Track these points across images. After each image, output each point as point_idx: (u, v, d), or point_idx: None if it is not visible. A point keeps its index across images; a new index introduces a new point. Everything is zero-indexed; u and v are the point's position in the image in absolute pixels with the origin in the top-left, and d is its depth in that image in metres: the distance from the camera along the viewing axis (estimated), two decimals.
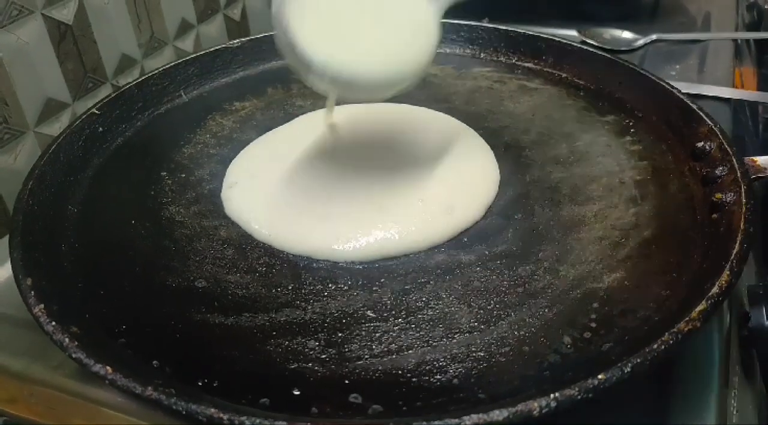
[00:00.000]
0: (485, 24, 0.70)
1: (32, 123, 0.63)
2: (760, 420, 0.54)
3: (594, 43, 0.83)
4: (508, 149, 0.57)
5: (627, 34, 0.84)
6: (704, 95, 0.72)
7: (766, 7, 1.02)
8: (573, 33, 0.85)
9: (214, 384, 0.37)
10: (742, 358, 0.52)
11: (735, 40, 0.86)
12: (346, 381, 0.38)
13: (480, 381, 0.38)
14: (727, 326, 0.50)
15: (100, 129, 0.57)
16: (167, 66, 0.64)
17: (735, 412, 0.47)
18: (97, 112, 0.57)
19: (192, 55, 0.66)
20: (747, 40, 0.94)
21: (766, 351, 0.50)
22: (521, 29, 0.70)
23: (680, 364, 0.45)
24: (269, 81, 0.67)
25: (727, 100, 0.72)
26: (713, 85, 0.74)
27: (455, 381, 0.38)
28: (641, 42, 0.83)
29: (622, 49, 0.82)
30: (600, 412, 0.38)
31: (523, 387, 0.37)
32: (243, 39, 0.69)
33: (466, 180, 0.52)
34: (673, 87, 0.57)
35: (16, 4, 0.59)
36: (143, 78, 0.62)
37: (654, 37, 0.84)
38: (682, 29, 0.88)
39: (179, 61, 0.65)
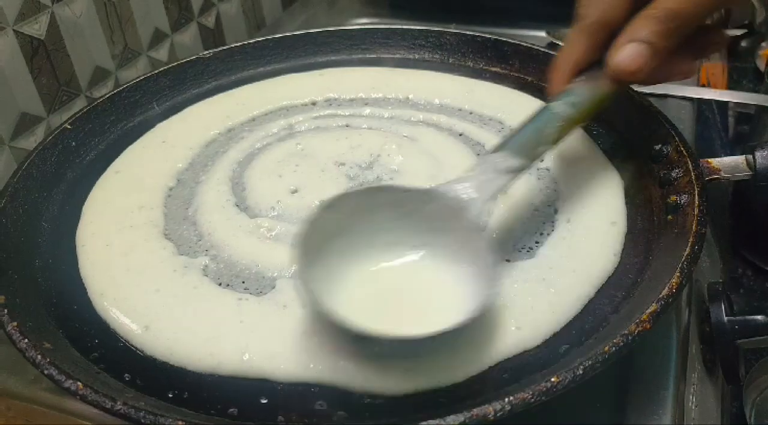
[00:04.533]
0: (452, 29, 0.71)
1: (7, 138, 0.64)
2: (723, 415, 0.56)
3: (562, 43, 0.84)
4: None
5: None
6: (670, 95, 0.74)
7: None
8: (542, 34, 0.86)
9: (184, 396, 0.38)
10: (704, 354, 0.54)
11: None
12: (312, 389, 0.39)
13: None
14: (685, 322, 0.51)
15: (73, 144, 0.57)
16: (139, 79, 0.65)
17: (694, 407, 0.48)
18: (69, 127, 0.57)
19: (164, 67, 0.67)
20: None
21: (724, 346, 0.51)
22: (489, 32, 0.71)
23: (638, 361, 0.47)
24: None
25: (693, 99, 0.74)
26: (679, 85, 0.75)
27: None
28: None
29: None
30: (558, 408, 0.40)
31: (482, 390, 0.39)
32: (215, 49, 0.70)
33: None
34: (633, 89, 0.59)
35: None
36: (115, 91, 0.63)
37: None
38: None
39: (151, 73, 0.66)
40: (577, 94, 0.46)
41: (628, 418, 0.44)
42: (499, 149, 0.44)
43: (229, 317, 0.43)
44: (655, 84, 0.50)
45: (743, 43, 1.21)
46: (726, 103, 0.88)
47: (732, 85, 1.14)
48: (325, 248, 0.40)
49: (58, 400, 0.45)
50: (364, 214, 0.41)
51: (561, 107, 0.46)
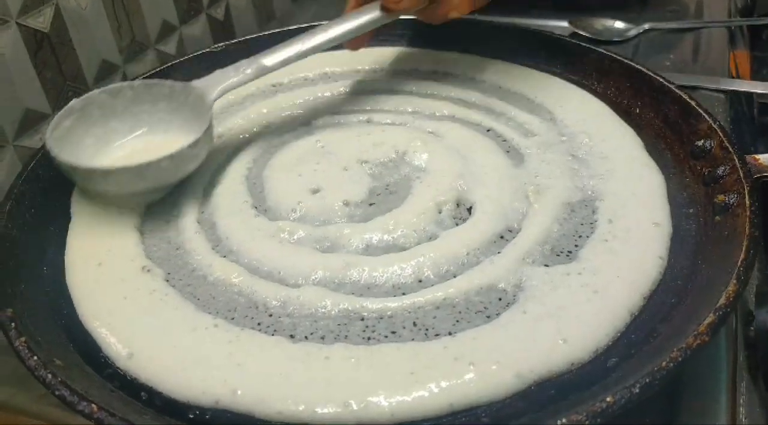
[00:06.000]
0: (476, 17, 0.68)
1: (11, 136, 0.61)
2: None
3: (586, 34, 0.81)
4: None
5: (619, 24, 0.82)
6: (700, 86, 0.71)
7: None
8: (564, 24, 0.83)
9: (206, 417, 0.36)
10: (749, 358, 0.51)
11: (729, 26, 0.85)
12: None
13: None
14: (733, 326, 0.48)
15: None
16: (148, 74, 0.62)
17: (744, 419, 0.46)
18: None
19: (173, 61, 0.64)
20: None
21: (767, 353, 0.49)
22: (512, 22, 0.68)
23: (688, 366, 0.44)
24: None
25: (725, 91, 0.70)
26: (708, 76, 0.72)
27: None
28: (633, 32, 0.81)
29: (615, 39, 0.81)
30: None
31: (527, 408, 0.36)
32: (226, 42, 0.67)
33: None
34: (669, 82, 0.56)
35: None
36: None
37: (646, 26, 0.82)
38: (674, 17, 0.86)
39: (160, 67, 0.63)
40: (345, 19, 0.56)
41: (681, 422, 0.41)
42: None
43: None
44: (437, 21, 0.55)
45: (766, 32, 1.18)
46: (751, 94, 0.85)
47: (753, 75, 1.11)
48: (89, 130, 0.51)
49: (69, 417, 0.42)
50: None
51: None
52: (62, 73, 0.65)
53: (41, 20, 0.62)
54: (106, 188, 0.47)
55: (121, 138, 0.52)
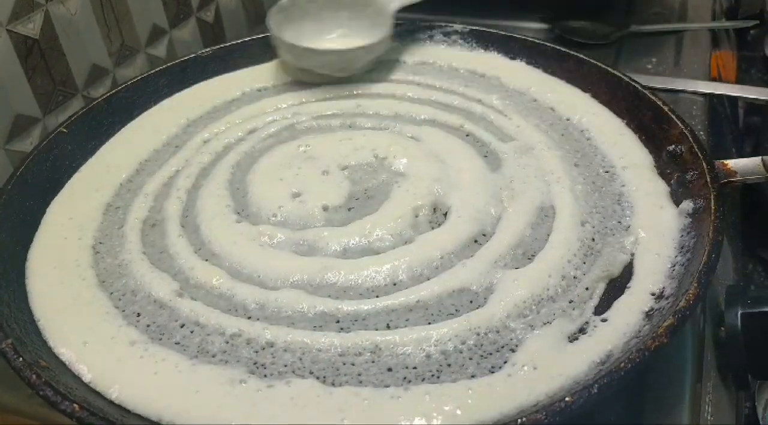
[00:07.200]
0: (457, 24, 0.69)
1: (2, 140, 0.62)
2: (737, 421, 0.55)
3: (569, 37, 0.82)
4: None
5: (603, 27, 0.84)
6: (682, 90, 0.72)
7: None
8: (548, 27, 0.84)
9: None
10: (718, 358, 0.53)
11: (712, 29, 0.86)
12: None
13: None
14: (700, 327, 0.50)
15: (69, 147, 0.56)
16: (136, 79, 0.63)
17: (709, 417, 0.47)
18: (65, 130, 0.56)
19: (161, 67, 0.65)
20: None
21: (736, 353, 0.50)
22: (495, 25, 0.69)
23: (653, 364, 0.46)
24: None
25: (705, 94, 0.72)
26: (690, 79, 0.73)
27: None
28: (617, 35, 0.83)
29: (598, 42, 0.82)
30: None
31: None
32: (213, 47, 0.68)
33: None
34: (644, 87, 0.57)
35: None
36: (112, 92, 0.61)
37: (630, 29, 0.83)
38: (658, 20, 0.87)
39: (148, 73, 0.64)
40: None
41: (644, 421, 0.43)
42: None
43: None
44: None
45: (752, 32, 1.19)
46: (734, 96, 0.86)
47: (741, 74, 1.12)
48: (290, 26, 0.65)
49: (56, 415, 0.43)
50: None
51: None
52: (52, 78, 0.66)
53: (31, 26, 0.63)
54: (310, 64, 0.63)
55: (315, 37, 0.66)
